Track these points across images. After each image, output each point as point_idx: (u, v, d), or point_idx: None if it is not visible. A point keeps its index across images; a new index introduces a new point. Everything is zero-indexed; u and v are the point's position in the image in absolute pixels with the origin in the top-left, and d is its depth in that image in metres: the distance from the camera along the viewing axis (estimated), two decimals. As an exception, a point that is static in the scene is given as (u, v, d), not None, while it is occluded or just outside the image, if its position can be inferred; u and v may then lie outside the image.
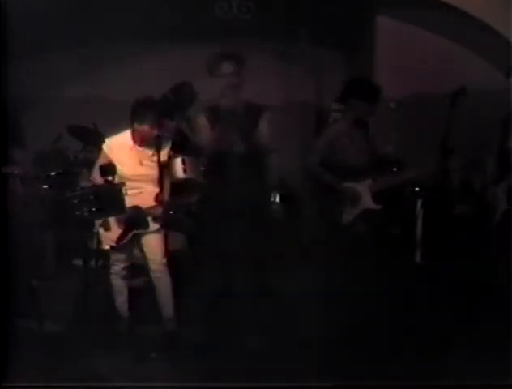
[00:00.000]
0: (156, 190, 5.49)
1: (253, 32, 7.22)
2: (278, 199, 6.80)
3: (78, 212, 5.23)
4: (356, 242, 5.61)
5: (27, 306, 5.71)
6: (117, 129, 5.65)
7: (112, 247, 5.54)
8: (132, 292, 5.65)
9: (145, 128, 5.43)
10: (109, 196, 5.30)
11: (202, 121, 5.74)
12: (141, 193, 5.52)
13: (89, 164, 6.04)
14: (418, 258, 6.61)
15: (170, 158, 5.53)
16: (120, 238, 5.49)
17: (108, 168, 5.34)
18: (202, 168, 5.64)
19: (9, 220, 5.52)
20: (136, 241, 5.59)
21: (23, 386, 5.05)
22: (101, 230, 5.49)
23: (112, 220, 5.47)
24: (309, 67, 7.35)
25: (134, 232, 5.51)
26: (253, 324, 5.52)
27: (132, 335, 5.56)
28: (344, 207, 5.69)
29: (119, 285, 5.61)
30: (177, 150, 5.59)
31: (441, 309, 5.59)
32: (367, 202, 5.69)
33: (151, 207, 5.49)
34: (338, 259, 5.51)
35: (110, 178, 5.30)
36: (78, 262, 6.21)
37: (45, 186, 6.19)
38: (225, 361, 5.25)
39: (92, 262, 6.28)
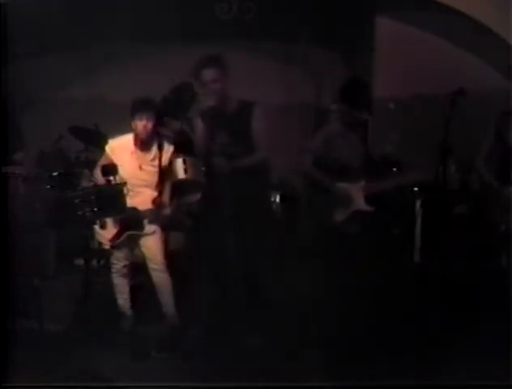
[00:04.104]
0: (154, 193, 5.54)
1: (254, 32, 7.24)
2: (278, 199, 6.82)
3: (79, 212, 5.25)
4: (350, 242, 5.61)
5: (27, 306, 5.72)
6: (117, 129, 5.66)
7: (109, 246, 5.57)
8: (134, 290, 5.66)
9: (145, 123, 5.46)
10: (110, 196, 5.32)
11: (198, 123, 5.70)
12: (138, 195, 5.55)
13: (90, 165, 6.06)
14: (417, 257, 6.63)
15: (171, 159, 5.56)
16: (114, 238, 5.52)
17: (110, 169, 5.36)
18: (203, 169, 5.64)
19: (10, 219, 5.54)
20: (135, 241, 5.61)
21: (23, 386, 5.04)
22: (98, 228, 5.50)
23: (109, 220, 5.49)
24: (308, 68, 7.36)
25: (128, 233, 5.54)
26: (252, 324, 5.52)
27: (134, 334, 5.56)
28: (336, 208, 5.69)
29: (120, 284, 5.63)
30: (178, 150, 5.60)
31: (440, 309, 5.59)
32: (359, 203, 5.69)
33: (148, 210, 5.53)
34: (336, 258, 5.52)
35: (111, 178, 5.32)
36: (80, 261, 6.22)
37: (47, 186, 6.19)
38: (225, 361, 5.25)
39: (93, 262, 6.30)
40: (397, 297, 5.72)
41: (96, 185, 5.41)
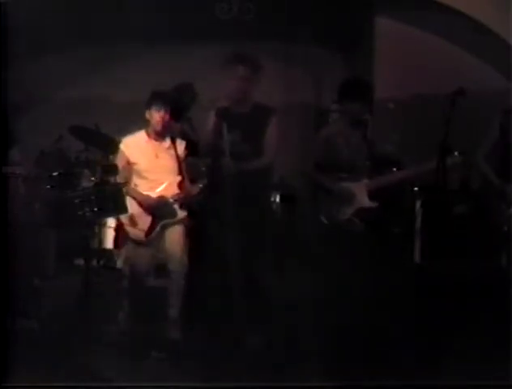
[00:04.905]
0: (177, 178, 5.61)
1: (254, 32, 7.23)
2: (278, 199, 6.82)
3: (79, 212, 5.26)
4: (353, 241, 5.61)
5: (27, 306, 5.72)
6: (117, 129, 5.67)
7: (140, 241, 5.59)
8: (137, 291, 5.66)
9: (162, 114, 5.53)
10: (111, 196, 5.32)
11: (211, 121, 5.70)
12: (163, 183, 5.61)
13: (90, 165, 6.06)
14: (417, 257, 6.62)
15: (185, 153, 5.61)
16: (150, 230, 5.56)
17: (110, 169, 5.37)
18: (203, 169, 5.65)
19: (10, 219, 5.54)
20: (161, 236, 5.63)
21: (23, 386, 5.03)
22: (128, 227, 5.57)
23: (138, 214, 5.55)
24: (308, 68, 7.36)
25: (162, 222, 5.57)
26: (253, 324, 5.52)
27: (134, 334, 5.57)
28: (339, 207, 5.69)
29: (126, 285, 5.63)
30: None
31: (440, 309, 5.59)
32: (362, 200, 5.69)
33: (176, 194, 5.60)
34: (336, 258, 5.52)
35: (112, 178, 5.34)
36: (80, 261, 6.22)
37: (47, 186, 6.19)
38: (225, 361, 5.25)
39: (94, 262, 6.29)
40: (397, 297, 5.72)
41: (96, 185, 5.42)
